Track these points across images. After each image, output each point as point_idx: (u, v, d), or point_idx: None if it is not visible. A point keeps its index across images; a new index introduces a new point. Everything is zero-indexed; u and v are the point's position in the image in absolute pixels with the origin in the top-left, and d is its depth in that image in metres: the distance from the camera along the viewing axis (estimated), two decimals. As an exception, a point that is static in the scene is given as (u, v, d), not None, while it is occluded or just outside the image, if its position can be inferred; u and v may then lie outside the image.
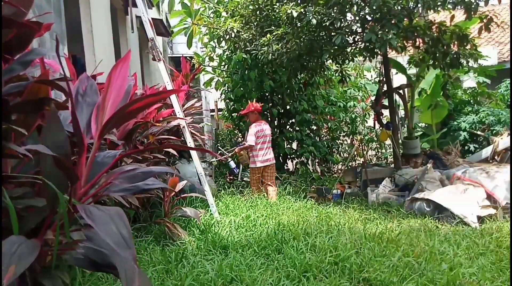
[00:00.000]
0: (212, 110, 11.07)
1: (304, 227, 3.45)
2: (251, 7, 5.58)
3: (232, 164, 5.81)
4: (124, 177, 1.26)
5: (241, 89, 6.39)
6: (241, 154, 5.30)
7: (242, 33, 5.62)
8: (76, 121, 1.11)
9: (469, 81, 8.76)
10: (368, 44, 4.72)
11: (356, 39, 5.38)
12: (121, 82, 1.22)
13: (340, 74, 6.08)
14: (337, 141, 7.79)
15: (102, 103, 1.20)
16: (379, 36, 4.40)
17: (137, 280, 0.99)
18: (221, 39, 6.01)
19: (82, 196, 1.15)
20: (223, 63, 6.93)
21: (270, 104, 6.50)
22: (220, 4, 6.53)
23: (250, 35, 5.64)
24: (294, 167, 7.22)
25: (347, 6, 4.75)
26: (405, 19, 4.73)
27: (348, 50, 5.53)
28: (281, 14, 4.98)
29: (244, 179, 6.26)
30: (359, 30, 5.11)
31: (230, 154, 5.69)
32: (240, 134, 7.26)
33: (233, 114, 6.82)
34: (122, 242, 0.95)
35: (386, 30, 4.46)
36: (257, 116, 5.25)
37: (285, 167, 7.13)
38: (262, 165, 5.17)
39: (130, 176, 1.27)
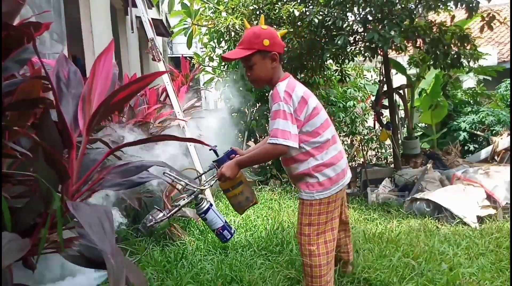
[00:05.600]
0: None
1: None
2: (251, 7, 5.58)
3: (216, 216, 1.98)
4: (116, 172, 1.25)
5: (241, 89, 6.39)
6: (236, 180, 1.99)
7: (243, 30, 5.62)
8: (61, 115, 1.07)
9: (469, 81, 8.78)
10: (369, 43, 4.72)
11: (357, 39, 5.38)
12: (106, 73, 1.19)
13: (340, 74, 6.08)
14: (337, 141, 7.78)
15: (88, 95, 1.16)
16: (381, 34, 4.41)
17: (124, 275, 0.99)
18: (221, 39, 6.00)
19: (74, 193, 1.15)
20: (223, 63, 6.92)
21: (270, 104, 6.49)
22: (220, 4, 6.53)
23: (251, 34, 5.63)
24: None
25: (348, 6, 4.75)
26: (406, 19, 4.74)
27: (349, 50, 5.54)
28: (281, 14, 4.98)
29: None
30: (360, 29, 5.11)
31: (204, 187, 2.00)
32: (239, 135, 7.08)
33: (232, 114, 6.81)
34: (101, 232, 0.96)
35: (388, 29, 4.47)
36: (277, 65, 1.99)
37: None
38: (338, 188, 2.03)
39: (122, 171, 1.26)
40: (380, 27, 4.57)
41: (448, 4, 4.89)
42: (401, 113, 7.38)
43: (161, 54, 4.20)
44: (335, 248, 2.20)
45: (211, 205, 1.99)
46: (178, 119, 3.91)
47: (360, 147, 6.80)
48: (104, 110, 1.11)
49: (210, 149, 2.10)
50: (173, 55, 11.84)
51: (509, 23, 5.45)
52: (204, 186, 2.00)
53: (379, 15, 4.78)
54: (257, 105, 6.68)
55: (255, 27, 2.02)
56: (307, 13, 4.71)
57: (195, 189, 1.94)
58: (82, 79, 1.24)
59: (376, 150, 8.54)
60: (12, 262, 0.94)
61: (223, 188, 2.02)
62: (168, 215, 2.03)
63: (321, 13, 4.68)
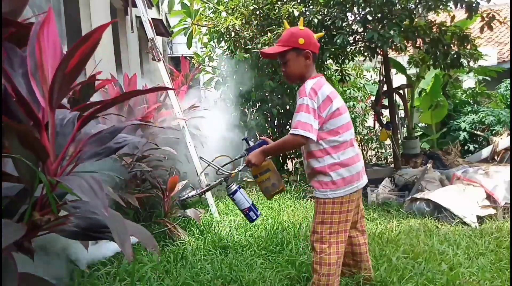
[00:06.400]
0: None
1: (304, 227, 3.45)
2: (251, 6, 5.58)
3: (243, 198, 2.22)
4: (92, 142, 1.23)
5: (241, 88, 6.39)
6: (263, 167, 2.14)
7: (243, 30, 5.62)
8: (21, 96, 1.03)
9: (469, 81, 8.78)
10: (369, 43, 4.73)
11: (356, 39, 5.39)
12: (53, 44, 1.14)
13: (340, 74, 6.09)
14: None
15: (40, 70, 1.10)
16: (381, 34, 4.41)
17: (128, 233, 1.01)
18: (221, 38, 6.00)
19: (56, 171, 1.14)
20: (223, 63, 6.92)
21: (270, 104, 6.49)
22: (220, 4, 6.53)
23: (251, 33, 5.64)
24: (294, 167, 7.22)
25: (348, 6, 4.76)
26: (406, 19, 4.74)
27: (348, 49, 5.54)
28: (281, 14, 4.98)
29: (244, 179, 6.00)
30: (360, 29, 5.12)
31: (233, 171, 2.28)
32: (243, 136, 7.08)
33: (232, 114, 6.80)
34: (92, 194, 0.98)
35: (388, 28, 4.48)
36: (310, 64, 2.10)
37: (285, 167, 7.13)
38: (353, 189, 2.06)
39: (98, 139, 1.24)
40: (379, 27, 4.58)
41: (448, 4, 4.90)
42: (401, 113, 7.38)
43: (161, 54, 4.19)
44: (356, 261, 2.28)
45: (239, 188, 2.22)
46: (178, 118, 3.91)
47: (360, 147, 6.81)
48: (61, 81, 1.08)
49: (242, 139, 2.43)
50: (173, 55, 11.84)
51: (509, 23, 5.45)
52: (233, 171, 2.25)
53: (379, 15, 4.78)
54: (257, 105, 6.67)
55: (293, 27, 2.15)
56: (307, 13, 4.72)
57: (226, 173, 2.21)
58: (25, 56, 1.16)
59: (376, 150, 8.54)
60: (10, 242, 0.95)
61: (252, 174, 2.20)
62: (199, 192, 2.28)
63: (320, 13, 4.69)
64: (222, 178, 2.24)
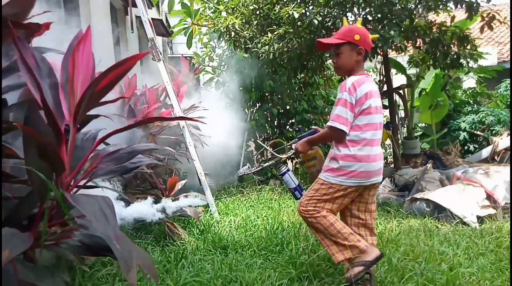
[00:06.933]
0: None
1: (304, 227, 3.45)
2: (251, 6, 5.58)
3: (290, 179, 2.60)
4: (109, 160, 1.24)
5: (241, 88, 6.39)
6: (309, 154, 2.47)
7: (243, 30, 5.62)
8: (48, 108, 1.04)
9: (469, 81, 8.79)
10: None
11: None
12: (87, 61, 1.16)
13: (340, 74, 6.09)
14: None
15: (70, 84, 1.12)
16: (381, 34, 4.41)
17: (134, 260, 1.01)
18: (221, 38, 6.00)
19: (69, 184, 1.14)
20: (223, 63, 6.93)
21: (270, 104, 6.49)
22: (220, 4, 6.53)
23: (251, 33, 5.64)
24: (294, 167, 7.23)
25: (348, 6, 4.76)
26: (406, 19, 4.74)
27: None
28: (281, 14, 4.98)
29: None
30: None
31: (283, 156, 2.59)
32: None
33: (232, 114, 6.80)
34: (103, 219, 0.97)
35: (388, 29, 4.47)
36: (361, 60, 2.21)
37: (285, 167, 7.13)
38: (353, 183, 2.15)
39: (115, 158, 1.26)
40: (380, 27, 4.57)
41: (448, 4, 4.89)
42: (401, 113, 7.38)
43: (161, 54, 4.19)
44: None
45: (288, 170, 2.56)
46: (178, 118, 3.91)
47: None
48: (89, 97, 1.09)
49: (295, 130, 2.97)
50: (173, 55, 11.85)
51: (509, 23, 5.45)
52: (284, 156, 2.57)
53: (379, 15, 4.78)
54: (257, 105, 6.68)
55: (352, 25, 2.27)
56: (307, 13, 4.72)
57: (277, 157, 2.57)
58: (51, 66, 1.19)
59: (376, 150, 8.52)
60: (19, 253, 0.94)
61: (302, 160, 2.62)
62: (254, 170, 2.68)
63: (321, 13, 4.68)
64: (274, 161, 2.58)
